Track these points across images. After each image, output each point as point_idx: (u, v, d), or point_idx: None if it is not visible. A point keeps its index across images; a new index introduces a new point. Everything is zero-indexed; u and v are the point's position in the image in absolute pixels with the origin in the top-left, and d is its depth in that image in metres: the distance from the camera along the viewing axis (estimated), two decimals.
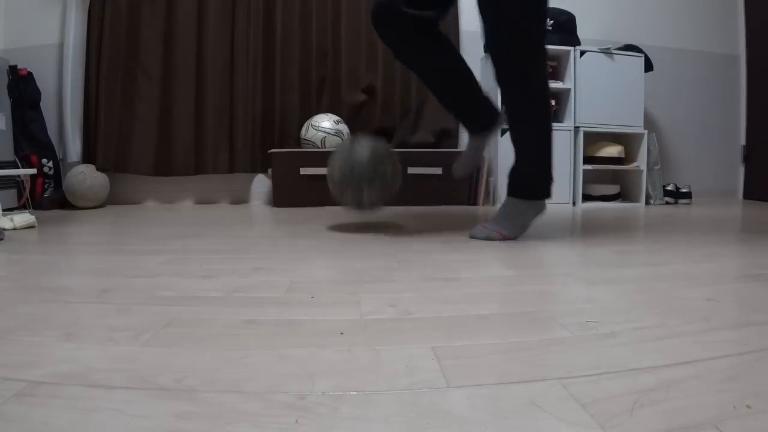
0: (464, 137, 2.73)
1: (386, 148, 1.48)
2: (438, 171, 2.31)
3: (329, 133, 2.35)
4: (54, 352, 0.52)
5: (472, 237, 1.32)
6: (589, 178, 2.59)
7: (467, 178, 2.43)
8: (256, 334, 0.58)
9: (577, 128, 2.41)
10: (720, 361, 0.49)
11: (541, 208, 1.34)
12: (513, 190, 1.33)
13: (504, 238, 1.29)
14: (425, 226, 1.59)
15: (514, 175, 1.33)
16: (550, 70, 2.44)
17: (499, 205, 2.33)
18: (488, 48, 1.27)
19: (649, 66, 2.58)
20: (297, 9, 2.51)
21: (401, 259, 1.03)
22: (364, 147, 1.43)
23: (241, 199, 2.62)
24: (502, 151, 2.35)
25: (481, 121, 1.40)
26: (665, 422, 0.37)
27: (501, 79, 1.26)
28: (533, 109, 1.27)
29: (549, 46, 2.36)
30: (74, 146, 2.44)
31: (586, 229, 1.52)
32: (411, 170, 2.34)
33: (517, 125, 1.29)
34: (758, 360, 0.49)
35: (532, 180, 1.31)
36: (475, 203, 2.43)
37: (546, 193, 1.32)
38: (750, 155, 3.05)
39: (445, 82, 1.35)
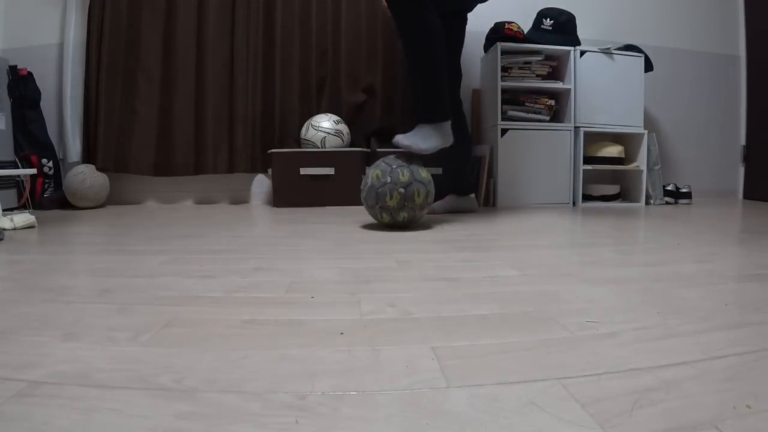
0: None
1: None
2: (438, 171, 2.31)
3: (329, 133, 2.35)
4: (54, 352, 0.52)
5: (395, 144, 1.50)
6: (589, 178, 2.60)
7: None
8: (256, 334, 0.58)
9: (577, 128, 2.41)
10: (720, 361, 0.49)
11: (446, 138, 1.56)
12: (417, 116, 1.58)
13: (410, 148, 1.48)
14: (425, 226, 1.59)
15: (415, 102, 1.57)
16: (550, 70, 2.44)
17: (499, 206, 2.33)
18: None
19: (649, 66, 2.58)
20: (297, 9, 2.51)
21: (401, 259, 1.03)
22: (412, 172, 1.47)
23: (241, 199, 2.62)
24: (503, 151, 2.35)
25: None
26: (665, 422, 0.38)
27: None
28: (405, 51, 1.51)
29: (549, 46, 2.37)
30: (74, 146, 2.45)
31: (586, 229, 1.52)
32: None
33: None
34: (758, 360, 0.49)
35: (420, 106, 1.54)
36: None
37: (432, 117, 1.53)
38: (750, 155, 3.05)
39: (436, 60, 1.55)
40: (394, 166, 1.44)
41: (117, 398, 0.42)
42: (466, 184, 1.95)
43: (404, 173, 1.43)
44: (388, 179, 1.42)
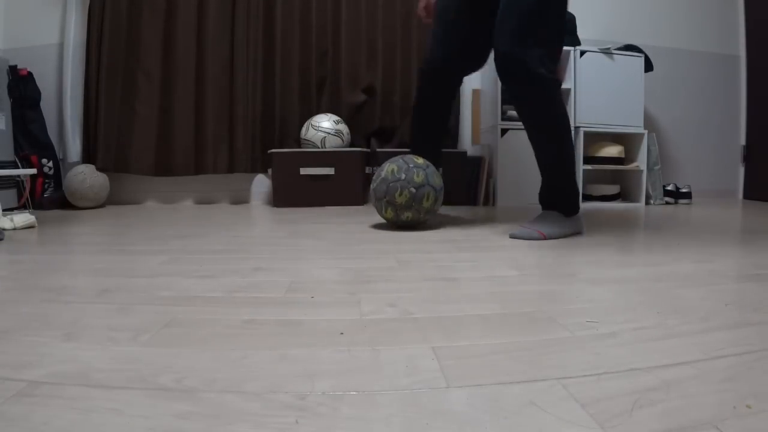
0: (464, 137, 2.73)
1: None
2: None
3: (329, 133, 2.35)
4: (54, 352, 0.52)
5: (513, 237, 1.35)
6: (589, 178, 2.59)
7: (468, 179, 2.43)
8: (256, 334, 0.58)
9: (577, 128, 2.41)
10: (720, 361, 0.49)
11: (578, 227, 1.42)
12: (546, 204, 1.43)
13: (545, 238, 1.33)
14: (425, 226, 1.59)
15: (543, 193, 1.44)
16: None
17: (498, 206, 2.33)
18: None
19: (649, 66, 2.58)
20: (297, 9, 2.51)
21: (401, 259, 1.03)
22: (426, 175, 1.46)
23: (241, 199, 2.62)
24: (502, 151, 2.35)
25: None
26: (665, 422, 0.37)
27: (517, 107, 1.38)
28: (557, 141, 1.37)
29: None
30: (74, 146, 2.45)
31: (587, 229, 1.52)
32: None
33: (535, 147, 1.40)
34: (758, 360, 0.49)
35: (558, 197, 1.41)
36: (475, 204, 2.44)
37: (573, 210, 1.41)
38: (750, 155, 3.05)
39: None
40: (410, 165, 1.44)
41: (117, 398, 0.42)
42: None
43: (419, 174, 1.43)
44: (403, 176, 1.42)
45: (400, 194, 1.41)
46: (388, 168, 1.47)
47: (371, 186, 1.52)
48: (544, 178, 1.42)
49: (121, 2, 2.39)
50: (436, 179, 1.48)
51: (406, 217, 1.46)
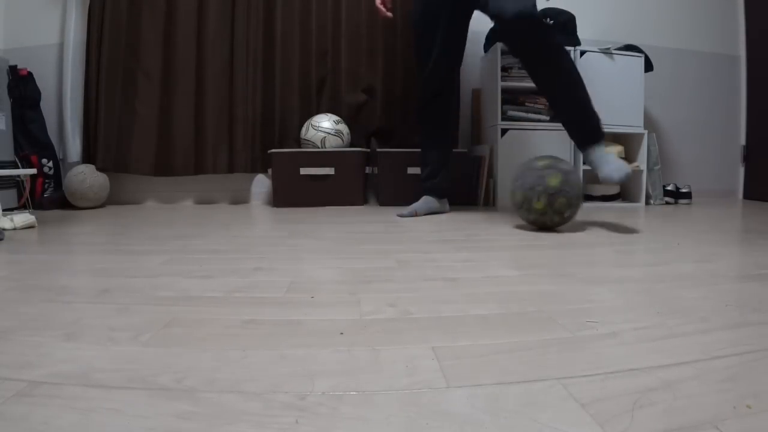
0: (464, 137, 2.73)
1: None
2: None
3: (329, 133, 2.35)
4: (54, 352, 0.52)
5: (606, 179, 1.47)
6: (589, 178, 2.59)
7: (467, 179, 2.43)
8: (256, 334, 0.58)
9: None
10: (720, 361, 0.49)
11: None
12: (592, 140, 1.56)
13: (624, 176, 1.42)
14: (425, 226, 1.59)
15: (584, 132, 1.57)
16: None
17: (499, 206, 2.33)
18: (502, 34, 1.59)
19: (649, 66, 2.58)
20: (297, 9, 2.51)
21: (401, 259, 1.03)
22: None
23: (241, 199, 2.62)
24: (503, 152, 2.35)
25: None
26: (665, 422, 0.37)
27: (526, 60, 1.56)
28: (575, 82, 1.56)
29: None
30: (74, 146, 2.44)
31: (587, 229, 1.52)
32: (411, 170, 2.34)
33: (562, 95, 1.57)
34: (758, 360, 0.49)
35: (597, 124, 1.57)
36: (475, 203, 2.43)
37: (602, 132, 1.58)
38: (750, 155, 3.05)
39: None
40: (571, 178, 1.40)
41: (117, 398, 0.42)
42: (442, 187, 1.98)
43: (576, 186, 1.40)
44: (564, 187, 1.37)
45: (538, 200, 1.39)
46: (552, 176, 1.39)
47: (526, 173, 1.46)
48: (581, 117, 1.55)
49: (121, 2, 2.39)
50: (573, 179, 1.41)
51: (551, 220, 1.43)
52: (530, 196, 1.41)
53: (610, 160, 1.49)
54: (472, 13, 1.83)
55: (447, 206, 2.05)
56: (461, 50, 1.88)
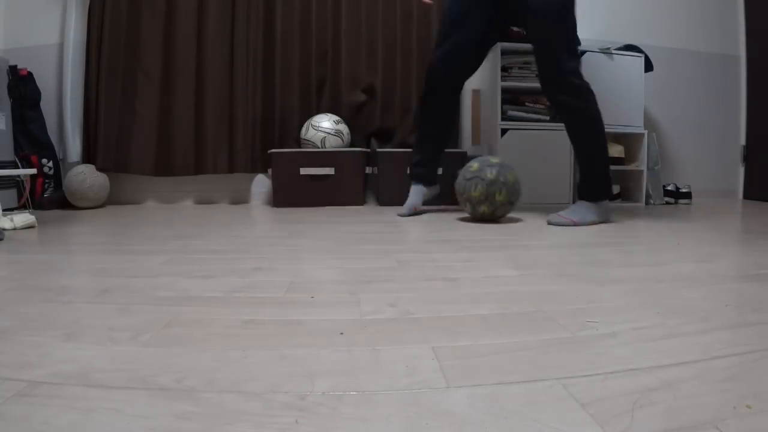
0: (464, 137, 2.73)
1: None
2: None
3: (329, 133, 2.35)
4: (54, 352, 0.52)
5: (550, 223, 1.62)
6: None
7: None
8: (256, 334, 0.58)
9: None
10: (720, 361, 0.49)
11: (606, 215, 1.68)
12: (580, 194, 1.70)
13: (575, 224, 1.59)
14: (425, 226, 1.59)
15: (581, 182, 1.70)
16: None
17: None
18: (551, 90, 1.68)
19: (649, 66, 2.58)
20: (297, 9, 2.51)
21: (401, 259, 1.03)
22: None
23: (241, 199, 2.62)
24: (503, 153, 2.35)
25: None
26: (665, 422, 0.37)
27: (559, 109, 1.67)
28: (593, 134, 1.67)
29: None
30: (74, 146, 2.44)
31: (587, 229, 1.52)
32: None
33: (582, 145, 1.68)
34: (758, 360, 0.49)
35: (590, 185, 1.67)
36: None
37: (603, 195, 1.67)
38: (750, 155, 3.04)
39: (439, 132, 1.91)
40: (485, 164, 1.64)
41: (117, 398, 0.42)
42: (429, 175, 1.97)
43: (492, 171, 1.61)
44: (480, 173, 1.61)
45: (475, 189, 1.61)
46: (470, 166, 1.65)
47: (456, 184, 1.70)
48: (589, 169, 1.66)
49: (121, 2, 2.39)
50: (509, 176, 1.62)
51: (482, 211, 1.63)
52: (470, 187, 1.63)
53: (579, 211, 1.66)
54: (507, 28, 1.84)
55: (437, 189, 2.03)
56: (475, 59, 1.83)
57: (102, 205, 2.41)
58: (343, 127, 2.41)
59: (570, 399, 0.41)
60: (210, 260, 1.03)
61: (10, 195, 2.16)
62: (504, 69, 2.36)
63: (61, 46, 2.44)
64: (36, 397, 0.42)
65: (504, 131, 2.35)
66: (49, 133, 2.40)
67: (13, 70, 2.26)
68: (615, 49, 2.50)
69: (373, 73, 2.58)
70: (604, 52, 2.46)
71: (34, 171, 2.16)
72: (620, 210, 2.24)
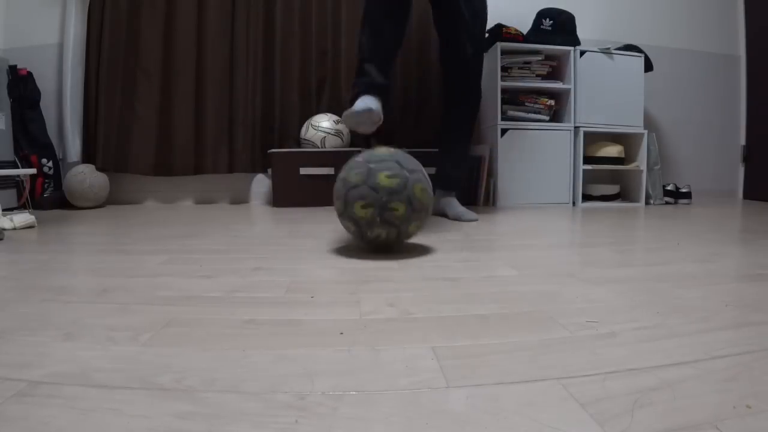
0: None
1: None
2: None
3: (329, 133, 2.35)
4: (54, 352, 0.52)
5: (459, 220, 1.72)
6: (589, 178, 2.59)
7: (467, 179, 2.44)
8: (256, 334, 0.58)
9: (577, 128, 2.41)
10: (720, 361, 0.49)
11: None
12: (453, 187, 1.84)
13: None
14: (425, 226, 1.59)
15: (453, 179, 1.83)
16: (551, 69, 2.44)
17: (498, 206, 2.33)
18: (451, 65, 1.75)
19: (649, 66, 2.58)
20: (297, 9, 2.51)
21: (401, 259, 1.03)
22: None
23: (240, 199, 2.62)
24: (503, 153, 2.35)
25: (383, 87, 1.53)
26: (665, 422, 0.37)
27: (458, 97, 1.76)
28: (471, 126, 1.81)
29: (549, 46, 2.37)
30: (74, 146, 2.44)
31: (587, 229, 1.52)
32: None
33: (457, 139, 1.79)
34: (758, 360, 0.49)
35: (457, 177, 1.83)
36: (475, 203, 2.43)
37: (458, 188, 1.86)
38: (750, 155, 3.04)
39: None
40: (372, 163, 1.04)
41: (116, 398, 0.42)
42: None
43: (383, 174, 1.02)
44: (364, 179, 1.02)
45: (363, 207, 1.00)
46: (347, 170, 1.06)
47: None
48: (462, 167, 1.82)
49: (121, 2, 2.38)
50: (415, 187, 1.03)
51: (376, 235, 1.04)
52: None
53: (455, 205, 1.79)
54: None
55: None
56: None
57: (102, 205, 2.41)
58: (343, 127, 2.40)
59: (570, 399, 0.41)
60: (210, 260, 1.03)
61: (10, 195, 2.16)
62: (504, 69, 2.36)
63: (61, 46, 2.44)
64: (35, 397, 0.42)
65: (504, 131, 2.35)
66: (48, 133, 2.40)
67: (12, 69, 2.26)
68: (615, 49, 2.50)
69: None
70: (604, 52, 2.46)
71: (33, 171, 2.16)
72: (620, 210, 2.24)
